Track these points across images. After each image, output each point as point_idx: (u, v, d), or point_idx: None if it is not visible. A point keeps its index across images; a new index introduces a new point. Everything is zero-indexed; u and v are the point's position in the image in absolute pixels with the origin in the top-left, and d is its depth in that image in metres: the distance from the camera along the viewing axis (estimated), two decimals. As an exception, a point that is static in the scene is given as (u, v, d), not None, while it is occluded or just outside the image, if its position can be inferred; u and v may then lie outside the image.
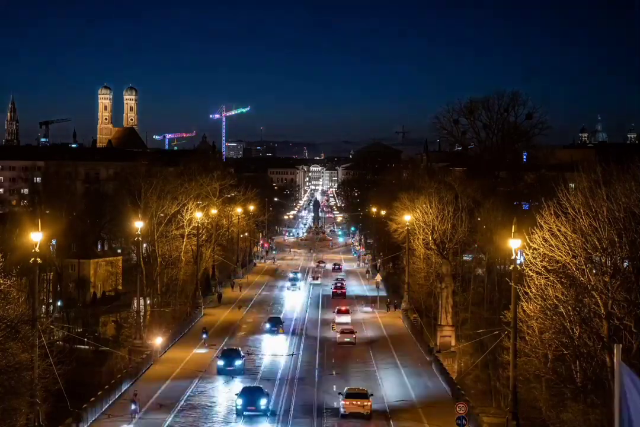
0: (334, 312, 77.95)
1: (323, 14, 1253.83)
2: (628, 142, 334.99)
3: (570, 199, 36.23)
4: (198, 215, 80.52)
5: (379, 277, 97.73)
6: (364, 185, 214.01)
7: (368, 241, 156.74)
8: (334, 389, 48.91)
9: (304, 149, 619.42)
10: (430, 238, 68.68)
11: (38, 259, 38.84)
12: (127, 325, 71.53)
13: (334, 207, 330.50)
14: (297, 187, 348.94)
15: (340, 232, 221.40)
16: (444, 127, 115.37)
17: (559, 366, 37.50)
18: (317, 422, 43.67)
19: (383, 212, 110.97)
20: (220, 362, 54.08)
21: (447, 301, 63.29)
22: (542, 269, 36.61)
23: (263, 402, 44.37)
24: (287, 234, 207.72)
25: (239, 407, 44.23)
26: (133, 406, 43.45)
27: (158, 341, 59.75)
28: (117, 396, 48.04)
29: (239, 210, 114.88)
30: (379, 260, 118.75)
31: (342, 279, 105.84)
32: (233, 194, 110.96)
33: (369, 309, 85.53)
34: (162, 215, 75.92)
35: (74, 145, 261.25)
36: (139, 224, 62.22)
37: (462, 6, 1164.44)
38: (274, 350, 63.09)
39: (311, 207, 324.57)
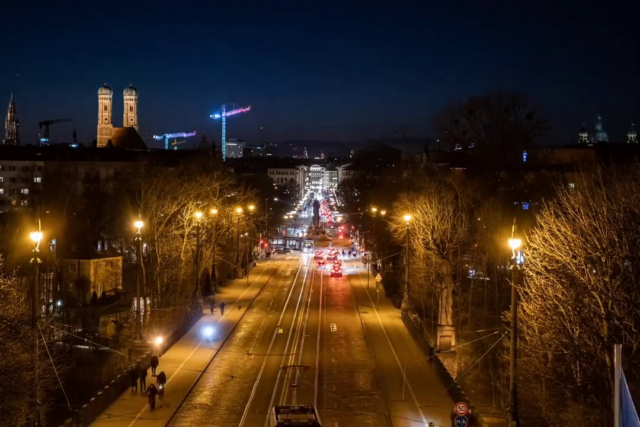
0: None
1: (322, 14, 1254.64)
2: (628, 142, 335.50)
3: (570, 199, 36.16)
4: (198, 215, 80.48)
5: (378, 277, 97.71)
6: (364, 185, 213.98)
7: (368, 240, 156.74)
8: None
9: (304, 149, 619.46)
10: (430, 238, 68.65)
11: (38, 259, 38.75)
12: (127, 325, 71.52)
13: (334, 207, 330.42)
14: (297, 187, 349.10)
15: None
16: (444, 127, 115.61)
17: (559, 366, 37.44)
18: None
19: (383, 212, 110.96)
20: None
21: (447, 301, 63.27)
22: (542, 269, 36.56)
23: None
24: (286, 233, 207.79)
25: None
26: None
27: (158, 341, 59.73)
28: (117, 396, 48.04)
29: (239, 210, 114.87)
30: (379, 260, 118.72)
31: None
32: (233, 194, 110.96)
33: None
34: (162, 215, 75.87)
35: (74, 145, 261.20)
36: (139, 224, 62.14)
37: (463, 5, 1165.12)
38: None
39: (311, 207, 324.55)
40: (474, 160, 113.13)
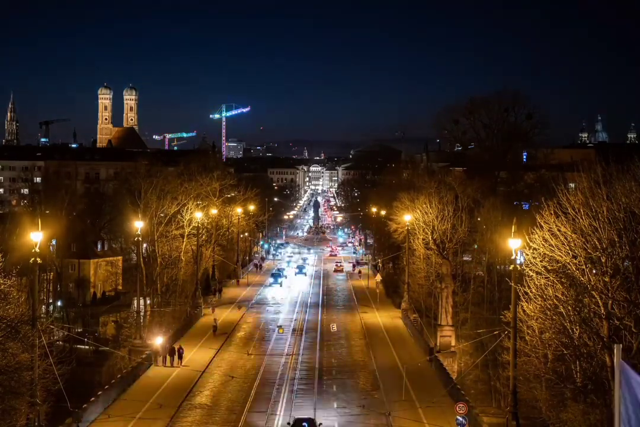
0: None
1: (322, 14, 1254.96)
2: (628, 142, 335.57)
3: (570, 199, 36.16)
4: (198, 215, 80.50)
5: (378, 277, 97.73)
6: (364, 185, 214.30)
7: (368, 240, 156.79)
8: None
9: (304, 149, 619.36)
10: (430, 238, 68.63)
11: (38, 259, 38.76)
12: (127, 325, 71.51)
13: (334, 207, 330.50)
14: (297, 187, 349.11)
15: (340, 232, 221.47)
16: (444, 127, 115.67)
17: (559, 366, 37.43)
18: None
19: (383, 212, 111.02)
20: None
21: (447, 301, 63.25)
22: (542, 269, 36.55)
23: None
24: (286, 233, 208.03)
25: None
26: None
27: (158, 341, 59.73)
28: (117, 396, 48.04)
29: (239, 210, 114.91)
30: (379, 260, 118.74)
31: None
32: (233, 194, 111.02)
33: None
34: (162, 215, 75.91)
35: (74, 145, 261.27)
36: (139, 224, 62.17)
37: (463, 5, 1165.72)
38: None
39: (311, 207, 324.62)
40: (474, 160, 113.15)
